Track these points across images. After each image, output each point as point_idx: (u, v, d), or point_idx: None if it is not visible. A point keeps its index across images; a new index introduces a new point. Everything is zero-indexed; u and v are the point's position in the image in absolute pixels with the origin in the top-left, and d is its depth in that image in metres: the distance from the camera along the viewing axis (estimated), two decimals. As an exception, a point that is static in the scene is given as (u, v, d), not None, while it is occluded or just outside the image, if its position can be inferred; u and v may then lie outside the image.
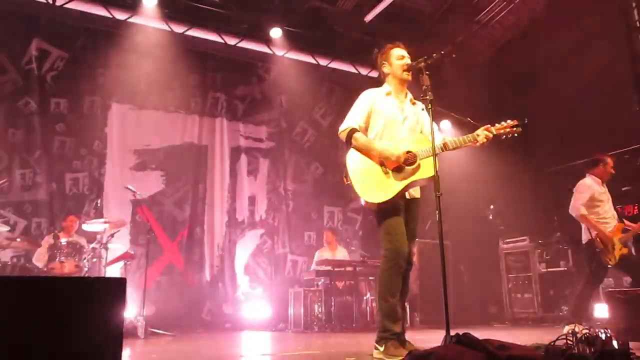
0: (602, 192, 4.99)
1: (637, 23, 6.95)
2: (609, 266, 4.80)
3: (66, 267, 5.60)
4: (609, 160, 5.05)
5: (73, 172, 7.54)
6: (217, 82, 8.86)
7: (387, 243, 3.20)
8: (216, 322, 7.83)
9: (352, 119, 3.36)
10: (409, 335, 3.29)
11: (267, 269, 8.71)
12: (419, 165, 3.20)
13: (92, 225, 6.05)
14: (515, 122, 3.30)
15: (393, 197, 3.17)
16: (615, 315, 3.49)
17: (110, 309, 1.78)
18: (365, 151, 3.26)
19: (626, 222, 5.04)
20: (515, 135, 3.31)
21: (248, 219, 8.77)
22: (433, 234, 7.50)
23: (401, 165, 3.19)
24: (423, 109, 3.44)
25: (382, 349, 3.09)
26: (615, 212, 5.04)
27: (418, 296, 7.74)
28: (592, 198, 4.93)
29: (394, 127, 3.36)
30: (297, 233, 9.08)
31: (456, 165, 7.70)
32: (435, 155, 3.01)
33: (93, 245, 5.95)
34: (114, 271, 6.29)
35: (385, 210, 3.22)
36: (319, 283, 7.11)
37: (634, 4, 6.93)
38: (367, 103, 3.39)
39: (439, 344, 2.48)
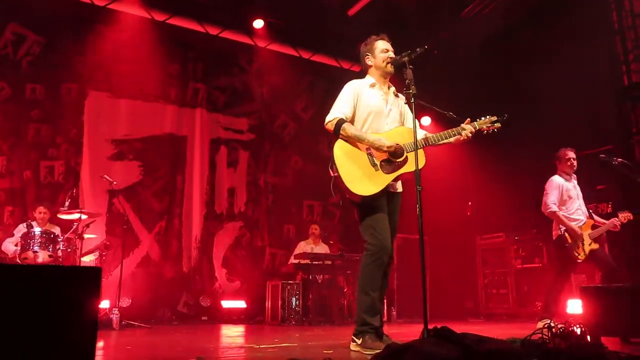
0: (570, 189, 5.07)
1: (616, 25, 7.07)
2: (579, 261, 4.89)
3: (40, 257, 5.47)
4: (562, 154, 5.13)
5: (48, 160, 7.39)
6: (197, 73, 8.76)
7: (371, 237, 3.20)
8: (193, 314, 7.79)
9: (339, 109, 3.32)
10: (385, 329, 3.30)
11: (246, 262, 8.67)
12: (406, 158, 3.20)
13: (68, 215, 5.93)
14: (494, 118, 3.34)
15: (381, 190, 3.17)
16: (589, 310, 3.55)
17: (84, 299, 1.74)
18: (353, 142, 3.23)
19: (596, 218, 5.13)
20: (495, 131, 3.35)
21: (227, 211, 8.71)
22: (410, 229, 7.54)
23: (390, 158, 3.19)
24: (405, 102, 3.45)
25: (359, 341, 3.10)
26: (585, 209, 5.13)
27: (395, 290, 7.80)
28: (560, 194, 5.01)
29: (380, 119, 3.36)
30: (276, 226, 9.06)
31: (435, 160, 7.74)
32: (417, 149, 3.01)
33: (68, 235, 5.83)
34: (89, 262, 6.18)
35: (370, 204, 3.21)
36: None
37: (613, 6, 7.05)
38: (353, 93, 3.37)
39: (417, 338, 2.50)
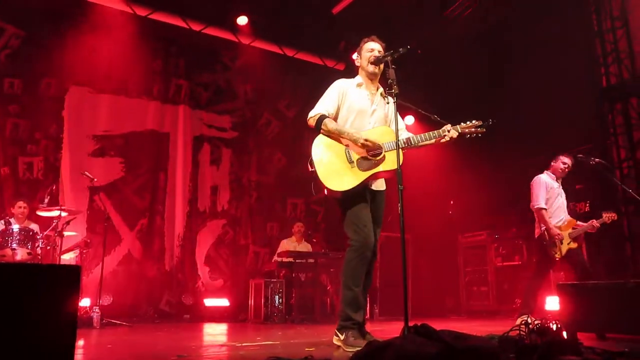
0: (555, 188, 5.18)
1: (596, 27, 7.19)
2: (556, 259, 4.99)
3: (18, 255, 5.39)
4: (564, 158, 5.24)
5: (27, 157, 7.26)
6: (180, 69, 8.68)
7: (353, 233, 3.23)
8: (175, 313, 7.74)
9: (323, 105, 3.39)
10: (368, 327, 3.33)
11: (229, 260, 8.64)
12: (384, 157, 3.24)
13: (47, 212, 5.85)
14: (479, 123, 3.36)
15: (357, 186, 3.20)
16: (566, 307, 3.62)
17: (63, 298, 1.72)
18: (335, 136, 3.29)
19: (578, 222, 5.23)
20: (479, 135, 3.36)
21: (210, 209, 8.66)
22: (393, 227, 7.59)
23: (367, 156, 3.22)
24: (388, 103, 3.47)
25: (342, 337, 3.13)
26: (565, 209, 5.24)
27: (378, 288, 7.84)
28: (546, 192, 5.11)
29: (362, 117, 3.40)
30: (259, 224, 9.03)
31: (417, 159, 7.80)
32: (398, 148, 3.03)
33: (47, 232, 5.75)
34: (69, 260, 6.10)
35: (351, 200, 3.25)
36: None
37: (593, 9, 7.17)
38: (338, 92, 3.42)
39: (398, 335, 2.53)
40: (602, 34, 7.13)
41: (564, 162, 5.22)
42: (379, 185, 3.44)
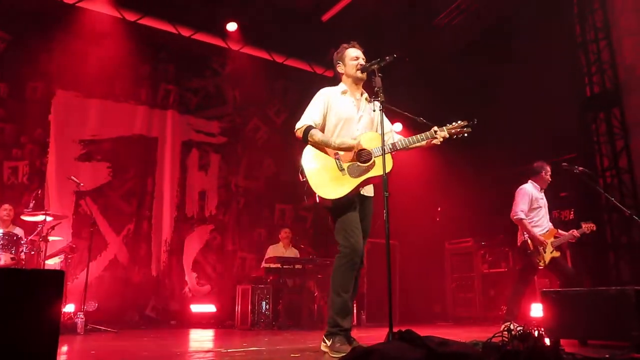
0: (539, 198, 5.24)
1: (579, 38, 7.32)
2: (540, 267, 5.05)
3: (1, 260, 5.33)
4: (548, 168, 5.32)
5: (12, 161, 7.19)
6: (169, 74, 8.66)
7: (343, 240, 3.25)
8: (161, 319, 7.68)
9: (309, 116, 3.39)
10: (354, 333, 3.34)
11: (216, 266, 8.60)
12: (374, 162, 3.25)
13: (32, 217, 5.79)
14: (465, 123, 3.41)
15: (348, 194, 3.22)
16: (549, 313, 3.66)
17: (46, 302, 1.71)
18: (322, 147, 3.29)
19: (559, 231, 5.30)
20: (465, 135, 3.40)
21: (198, 214, 8.63)
22: (380, 234, 7.60)
23: (357, 162, 3.24)
24: (374, 110, 3.49)
25: (329, 343, 3.14)
26: (548, 218, 5.31)
27: (365, 294, 7.85)
28: (530, 203, 5.17)
29: (350, 125, 3.42)
30: (247, 230, 9.01)
31: (405, 166, 7.85)
32: (384, 155, 3.06)
33: (32, 237, 5.69)
34: (54, 265, 6.04)
35: (341, 207, 3.26)
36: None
37: (577, 20, 7.29)
38: (323, 101, 3.43)
39: (382, 341, 2.55)
40: (585, 45, 7.26)
41: (548, 171, 5.30)
42: (368, 191, 3.46)
